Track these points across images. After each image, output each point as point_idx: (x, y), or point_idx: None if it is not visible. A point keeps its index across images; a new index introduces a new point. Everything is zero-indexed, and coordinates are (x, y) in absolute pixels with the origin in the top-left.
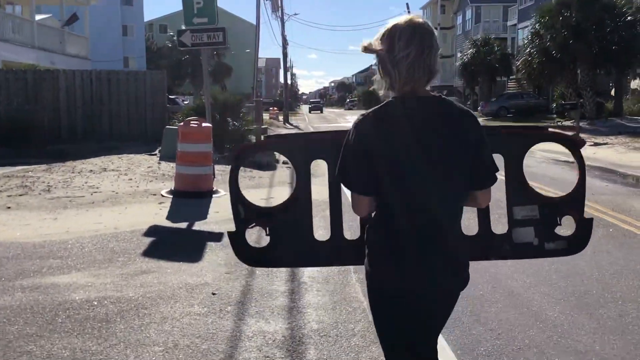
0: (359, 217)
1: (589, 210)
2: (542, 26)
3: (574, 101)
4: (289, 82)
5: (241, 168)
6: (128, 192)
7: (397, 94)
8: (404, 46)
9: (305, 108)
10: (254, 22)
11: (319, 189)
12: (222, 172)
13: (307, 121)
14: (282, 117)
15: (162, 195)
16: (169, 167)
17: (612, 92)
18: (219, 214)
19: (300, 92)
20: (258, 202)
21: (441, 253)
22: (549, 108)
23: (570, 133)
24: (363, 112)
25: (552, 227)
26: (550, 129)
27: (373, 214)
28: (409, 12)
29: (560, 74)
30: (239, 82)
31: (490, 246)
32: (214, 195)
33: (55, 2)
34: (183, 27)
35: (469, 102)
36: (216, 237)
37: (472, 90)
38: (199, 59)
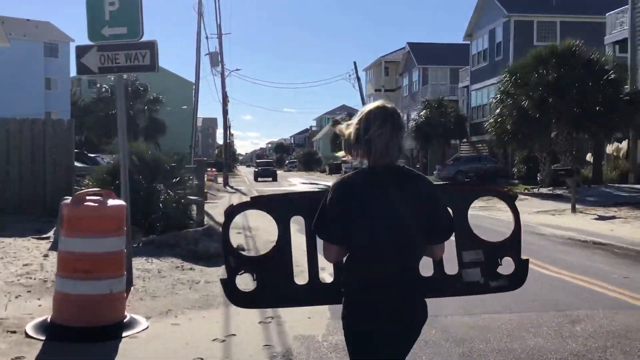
0: (333, 264)
1: None
2: (512, 85)
3: (569, 166)
4: (228, 140)
5: (179, 265)
6: None
7: (371, 164)
8: (378, 127)
9: (244, 169)
10: (191, 80)
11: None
12: (146, 272)
13: (248, 183)
14: (221, 178)
15: (28, 336)
16: None
17: (588, 157)
18: None
19: (237, 153)
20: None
21: (404, 295)
22: (508, 173)
23: (505, 189)
24: (342, 175)
25: (494, 268)
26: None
27: (345, 261)
28: (356, 70)
29: (538, 135)
30: (174, 142)
31: (444, 285)
32: (125, 333)
33: None
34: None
35: (418, 166)
36: None
37: (425, 153)
38: (129, 112)
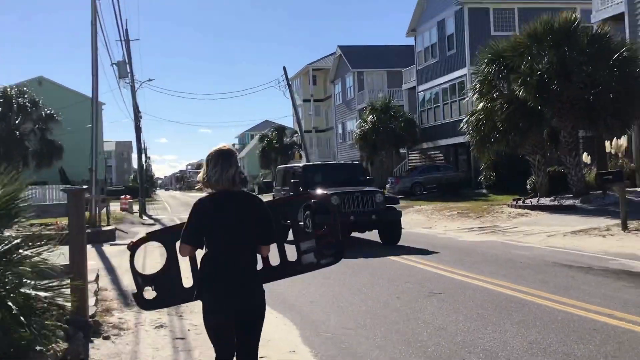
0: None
1: None
2: (493, 73)
3: (616, 169)
4: (144, 162)
5: None
6: None
7: (214, 191)
8: (212, 166)
9: (163, 194)
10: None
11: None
12: None
13: (169, 211)
14: (137, 206)
15: None
16: None
17: (584, 158)
18: None
19: (155, 177)
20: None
21: (242, 284)
22: (471, 182)
23: (320, 193)
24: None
25: (322, 250)
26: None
27: (202, 260)
28: (286, 76)
29: (537, 132)
30: (78, 167)
31: (288, 268)
32: None
33: None
34: None
35: None
36: None
37: (371, 164)
38: (15, 133)
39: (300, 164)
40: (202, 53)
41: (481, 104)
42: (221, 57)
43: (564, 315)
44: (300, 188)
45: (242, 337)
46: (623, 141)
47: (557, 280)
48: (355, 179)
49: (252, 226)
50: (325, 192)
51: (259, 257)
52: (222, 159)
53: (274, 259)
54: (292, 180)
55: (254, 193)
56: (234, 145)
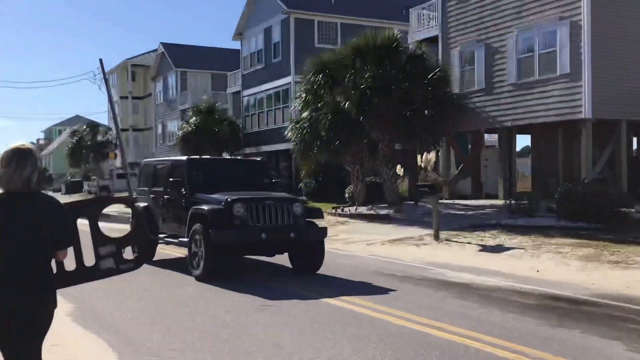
0: None
1: None
2: (318, 83)
3: (430, 182)
4: None
5: None
6: None
7: (3, 191)
8: (6, 165)
9: None
10: None
11: None
12: None
13: None
14: None
15: None
16: None
17: (397, 170)
18: None
19: None
20: None
21: (29, 292)
22: (292, 189)
23: (126, 194)
24: None
25: (122, 255)
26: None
27: None
28: (103, 69)
29: (359, 142)
30: None
31: (85, 273)
32: None
33: None
34: None
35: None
36: None
37: None
38: None
39: (184, 157)
40: (8, 39)
41: (306, 113)
42: (30, 44)
43: (396, 329)
44: (184, 191)
45: (22, 347)
46: (432, 156)
47: (383, 290)
48: (258, 181)
49: (45, 229)
50: (225, 197)
51: (53, 262)
52: (17, 157)
53: (70, 263)
54: (171, 179)
55: (50, 194)
56: (38, 140)
